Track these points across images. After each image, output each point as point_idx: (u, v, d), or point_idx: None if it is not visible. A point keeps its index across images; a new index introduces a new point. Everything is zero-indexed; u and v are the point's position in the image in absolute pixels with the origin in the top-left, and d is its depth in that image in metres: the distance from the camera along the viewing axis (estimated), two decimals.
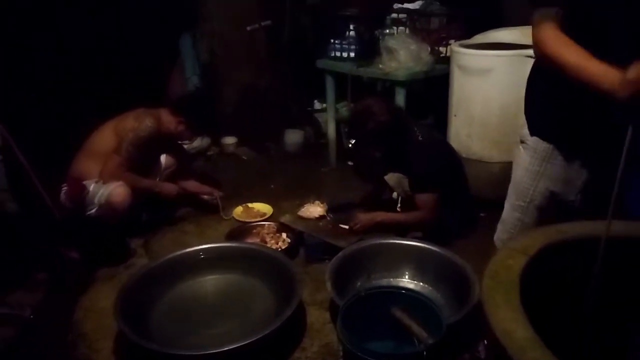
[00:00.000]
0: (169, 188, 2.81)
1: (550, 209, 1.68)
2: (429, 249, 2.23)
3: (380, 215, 2.58)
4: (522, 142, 1.69)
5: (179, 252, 2.25)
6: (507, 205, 1.82)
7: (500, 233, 1.86)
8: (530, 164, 1.66)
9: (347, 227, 2.57)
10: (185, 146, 3.43)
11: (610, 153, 1.21)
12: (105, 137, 2.62)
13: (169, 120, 2.70)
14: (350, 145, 3.36)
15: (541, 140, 1.61)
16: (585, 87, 1.26)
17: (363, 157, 2.65)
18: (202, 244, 2.30)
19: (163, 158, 2.90)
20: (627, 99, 1.15)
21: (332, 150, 3.84)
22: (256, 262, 2.20)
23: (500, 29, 3.03)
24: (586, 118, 1.47)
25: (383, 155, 2.45)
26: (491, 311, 1.07)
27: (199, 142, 3.93)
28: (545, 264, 1.26)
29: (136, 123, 2.58)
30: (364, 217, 2.55)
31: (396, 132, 2.43)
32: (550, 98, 1.55)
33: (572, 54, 1.30)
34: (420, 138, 2.46)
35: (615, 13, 1.31)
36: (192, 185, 3.02)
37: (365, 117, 2.43)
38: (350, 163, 3.72)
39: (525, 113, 1.66)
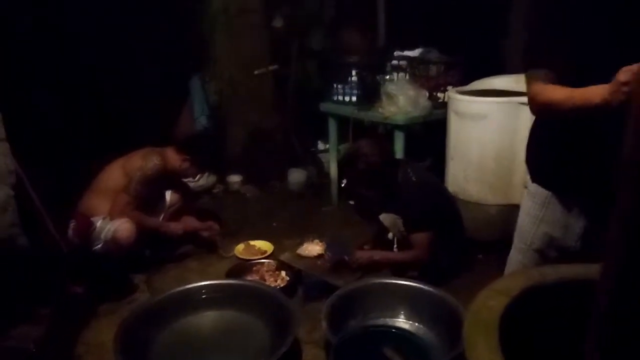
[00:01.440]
0: (175, 228, 2.89)
1: (551, 254, 1.73)
2: (423, 289, 2.27)
3: (377, 254, 2.64)
4: (526, 187, 1.78)
5: (179, 289, 2.31)
6: (512, 247, 1.87)
7: (505, 272, 1.92)
8: (530, 209, 1.73)
9: (344, 264, 2.63)
10: (191, 184, 3.53)
11: (608, 200, 1.26)
12: (113, 175, 2.72)
13: (174, 158, 2.81)
14: (343, 185, 3.47)
15: (540, 187, 1.69)
16: (583, 117, 1.32)
17: (356, 197, 2.74)
18: (202, 281, 2.36)
19: (168, 195, 3.00)
20: (622, 102, 1.16)
21: (333, 190, 3.93)
22: (254, 299, 2.24)
23: (496, 76, 3.16)
24: (582, 167, 1.53)
25: (375, 196, 2.53)
26: (470, 351, 1.12)
27: (204, 180, 4.04)
28: (526, 305, 1.30)
29: (143, 162, 2.69)
30: (361, 256, 2.61)
31: (387, 172, 2.52)
32: (548, 148, 1.64)
33: (559, 93, 1.38)
34: (413, 179, 2.54)
35: (600, 68, 1.31)
36: (191, 221, 3.10)
37: (357, 157, 2.54)
38: (351, 202, 3.81)
39: (526, 161, 1.75)
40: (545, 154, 1.65)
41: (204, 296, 2.29)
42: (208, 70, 4.34)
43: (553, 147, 1.60)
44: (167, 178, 2.84)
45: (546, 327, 1.33)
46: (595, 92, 1.26)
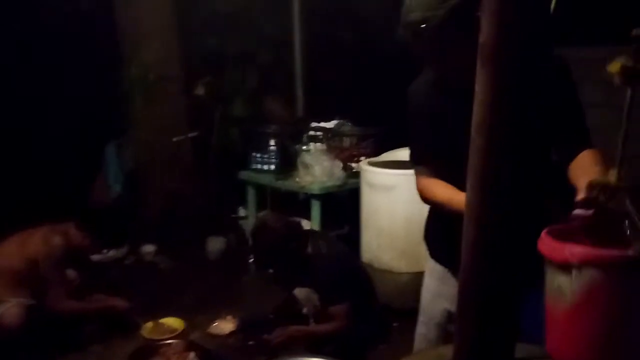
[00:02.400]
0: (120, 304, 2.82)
1: (451, 328, 1.77)
2: None
3: (293, 330, 2.57)
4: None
5: None
6: (418, 320, 1.90)
7: (414, 346, 1.93)
8: (429, 285, 1.80)
9: (260, 343, 2.53)
10: (98, 256, 3.35)
11: None
12: (8, 256, 2.54)
13: (76, 235, 2.66)
14: (250, 261, 3.44)
15: (437, 263, 1.75)
16: (460, 216, 1.43)
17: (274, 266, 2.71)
18: None
19: (68, 272, 2.81)
20: None
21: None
22: None
23: (405, 147, 3.31)
24: None
25: (283, 270, 2.51)
26: None
27: (113, 252, 3.83)
28: None
29: (46, 245, 2.55)
30: (281, 333, 2.53)
31: (294, 247, 2.50)
32: (439, 228, 1.73)
33: (440, 193, 1.54)
34: (323, 251, 2.55)
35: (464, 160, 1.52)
36: (97, 299, 2.91)
37: (261, 232, 2.53)
38: (271, 271, 3.74)
39: (424, 237, 1.83)
40: (437, 233, 1.74)
41: None
42: (125, 136, 4.23)
43: (442, 227, 1.69)
44: (70, 255, 2.68)
45: None
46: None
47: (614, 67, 0.92)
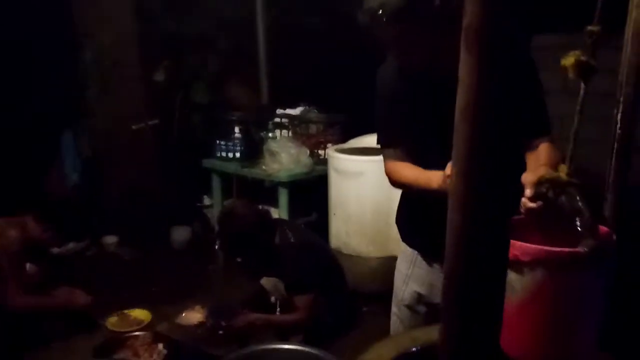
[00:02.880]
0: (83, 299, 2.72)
1: (421, 310, 1.81)
2: (308, 352, 2.22)
3: (254, 317, 2.56)
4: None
5: None
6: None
7: (391, 328, 1.96)
8: (401, 267, 1.83)
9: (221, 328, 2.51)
10: (58, 249, 3.23)
11: None
12: None
13: (34, 228, 2.55)
14: (216, 247, 3.41)
15: (408, 246, 1.79)
16: (427, 194, 1.46)
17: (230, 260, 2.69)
18: None
19: (27, 266, 2.70)
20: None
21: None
22: None
23: (372, 134, 3.33)
24: (434, 232, 1.64)
25: (250, 259, 2.49)
26: None
27: (74, 244, 3.71)
28: None
29: (1, 240, 2.43)
30: (241, 320, 2.52)
31: (262, 235, 2.50)
32: (408, 211, 1.77)
33: (407, 174, 1.57)
34: (292, 240, 2.54)
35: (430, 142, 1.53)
36: (60, 293, 2.81)
37: (228, 219, 2.51)
38: (239, 260, 3.70)
39: (396, 221, 1.85)
40: (407, 216, 1.77)
41: None
42: (81, 123, 4.08)
43: (412, 211, 1.74)
44: (28, 249, 2.57)
45: None
46: (433, 179, 1.42)
47: (568, 61, 0.96)
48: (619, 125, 1.47)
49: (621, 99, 1.43)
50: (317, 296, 2.51)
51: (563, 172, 1.00)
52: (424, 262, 1.76)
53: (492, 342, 0.60)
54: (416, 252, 1.77)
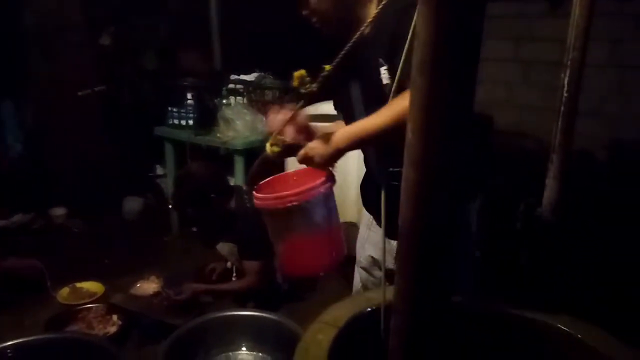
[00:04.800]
0: None
1: (376, 273, 1.84)
2: (263, 317, 2.25)
3: (198, 288, 2.55)
4: None
5: None
6: None
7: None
8: (361, 230, 1.88)
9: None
10: (2, 221, 3.08)
11: None
12: None
13: None
14: (170, 206, 3.39)
15: (365, 210, 1.81)
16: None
17: (197, 224, 2.68)
18: (10, 340, 2.02)
19: None
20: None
21: (174, 217, 3.74)
22: (77, 353, 2.00)
23: (329, 101, 3.31)
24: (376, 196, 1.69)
25: (205, 222, 2.49)
26: None
27: (19, 216, 3.55)
28: (353, 335, 1.35)
29: None
30: (182, 293, 2.51)
31: (218, 198, 2.50)
32: (366, 177, 1.78)
33: None
34: (247, 205, 2.52)
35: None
36: (10, 263, 2.70)
37: (185, 178, 2.52)
38: (194, 229, 3.66)
39: (359, 188, 1.85)
40: (366, 182, 1.78)
41: (10, 356, 1.97)
42: (23, 92, 3.85)
43: (369, 177, 1.75)
44: None
45: (373, 355, 1.39)
46: None
47: (298, 73, 1.35)
48: (565, 89, 1.51)
49: (568, 63, 1.48)
50: (268, 262, 2.51)
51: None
52: (378, 227, 1.79)
53: (444, 296, 0.61)
54: (372, 216, 1.79)
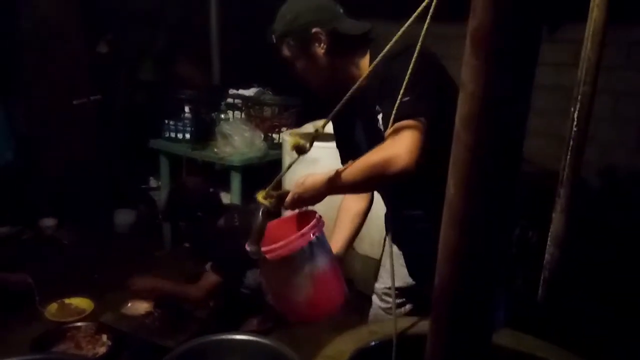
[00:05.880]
0: None
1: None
2: (257, 341, 2.17)
3: (159, 282, 2.61)
4: None
5: None
6: None
7: None
8: (382, 259, 1.92)
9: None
10: None
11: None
12: None
13: None
14: (160, 217, 3.38)
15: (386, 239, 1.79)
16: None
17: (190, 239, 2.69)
18: None
19: None
20: None
21: (167, 232, 3.68)
22: None
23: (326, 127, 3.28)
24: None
25: (195, 237, 2.47)
26: None
27: (7, 228, 3.46)
28: None
29: None
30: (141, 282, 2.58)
31: (206, 213, 2.52)
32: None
33: None
34: (236, 224, 2.49)
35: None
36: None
37: (179, 193, 2.57)
38: (186, 245, 3.59)
39: None
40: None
41: None
42: (16, 98, 3.78)
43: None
44: None
45: None
46: None
47: (292, 140, 1.40)
48: (575, 123, 1.50)
49: (579, 97, 1.46)
50: (226, 284, 2.49)
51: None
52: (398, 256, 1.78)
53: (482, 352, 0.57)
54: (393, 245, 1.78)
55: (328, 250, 1.50)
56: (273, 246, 1.38)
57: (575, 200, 1.55)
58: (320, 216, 1.49)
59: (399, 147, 1.30)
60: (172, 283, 2.66)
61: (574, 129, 1.53)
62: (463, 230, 0.51)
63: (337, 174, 1.43)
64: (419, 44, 1.13)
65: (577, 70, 1.36)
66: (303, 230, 1.40)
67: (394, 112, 1.29)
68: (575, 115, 1.51)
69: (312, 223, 1.43)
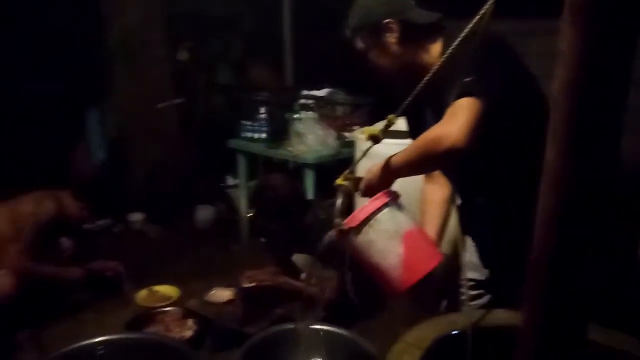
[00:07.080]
0: (75, 272, 2.67)
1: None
2: (337, 333, 2.24)
3: (282, 280, 2.56)
4: None
5: (70, 347, 2.07)
6: None
7: None
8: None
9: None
10: (87, 225, 3.27)
11: None
12: None
13: (71, 204, 2.59)
14: (249, 216, 3.44)
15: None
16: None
17: (267, 234, 2.73)
18: (98, 336, 2.14)
19: (63, 241, 2.75)
20: None
21: (244, 227, 3.84)
22: (155, 354, 2.08)
23: (400, 117, 3.30)
24: None
25: (282, 233, 2.51)
26: None
27: (103, 221, 3.76)
28: (438, 358, 1.33)
29: (35, 207, 2.46)
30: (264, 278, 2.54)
31: (296, 210, 2.53)
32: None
33: None
34: (322, 217, 2.54)
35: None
36: (96, 265, 2.86)
37: (266, 189, 2.56)
38: (262, 240, 3.72)
39: None
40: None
41: (100, 353, 2.08)
42: (107, 103, 4.10)
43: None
44: (62, 224, 2.61)
45: None
46: None
47: (367, 131, 1.54)
48: None
49: None
50: (344, 275, 2.50)
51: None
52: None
53: (581, 327, 0.59)
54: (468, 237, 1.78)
55: (409, 217, 1.54)
56: (352, 214, 1.46)
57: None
58: (395, 191, 1.56)
59: (452, 124, 1.32)
60: (298, 283, 2.62)
61: None
62: (563, 194, 0.54)
63: (395, 155, 1.51)
64: (482, 28, 1.15)
65: None
66: (376, 195, 1.48)
67: (455, 92, 1.31)
68: None
69: (384, 191, 1.50)
